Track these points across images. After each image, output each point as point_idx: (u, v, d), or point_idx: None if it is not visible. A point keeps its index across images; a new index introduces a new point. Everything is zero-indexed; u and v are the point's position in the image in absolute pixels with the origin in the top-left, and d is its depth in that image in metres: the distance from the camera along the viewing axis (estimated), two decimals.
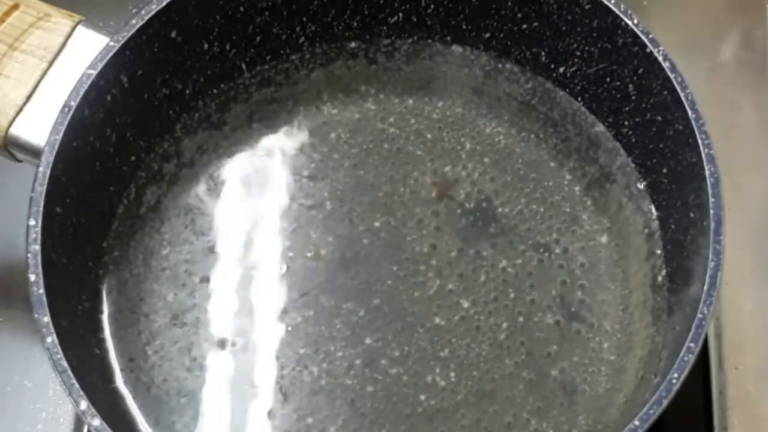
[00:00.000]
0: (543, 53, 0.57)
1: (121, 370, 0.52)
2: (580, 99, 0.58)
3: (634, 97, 0.54)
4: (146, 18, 0.52)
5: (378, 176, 0.57)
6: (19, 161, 0.53)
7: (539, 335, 0.53)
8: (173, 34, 0.54)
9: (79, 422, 0.57)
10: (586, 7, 0.53)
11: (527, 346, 0.53)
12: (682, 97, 0.50)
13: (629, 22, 0.52)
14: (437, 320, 0.53)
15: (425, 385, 0.52)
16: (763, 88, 0.65)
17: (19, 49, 0.53)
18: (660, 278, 0.53)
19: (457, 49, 0.59)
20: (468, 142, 0.58)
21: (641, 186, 0.56)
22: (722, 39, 0.67)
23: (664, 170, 0.53)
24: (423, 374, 0.52)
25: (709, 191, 0.48)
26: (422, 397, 0.52)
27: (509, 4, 0.56)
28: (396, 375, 0.52)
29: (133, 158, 0.55)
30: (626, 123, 0.56)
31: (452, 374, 0.52)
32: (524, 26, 0.57)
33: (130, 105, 0.53)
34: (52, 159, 0.49)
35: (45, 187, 0.48)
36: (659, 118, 0.53)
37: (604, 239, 0.55)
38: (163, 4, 0.52)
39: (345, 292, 0.54)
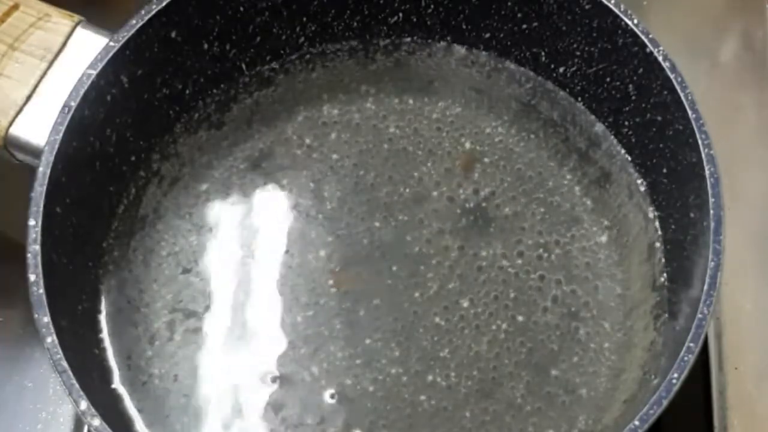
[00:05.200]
0: (543, 53, 0.57)
1: (120, 369, 0.52)
2: (580, 99, 0.58)
3: (634, 97, 0.54)
4: (146, 18, 0.52)
5: (378, 176, 0.57)
6: (19, 161, 0.53)
7: (539, 335, 0.53)
8: (173, 34, 0.54)
9: (79, 422, 0.57)
10: (586, 7, 0.53)
11: (527, 346, 0.53)
12: (682, 97, 0.50)
13: (629, 22, 0.52)
14: (437, 320, 0.53)
15: (425, 385, 0.52)
16: (763, 88, 0.65)
17: (19, 49, 0.53)
18: (660, 278, 0.53)
19: (457, 49, 0.59)
20: (468, 142, 0.58)
21: (641, 186, 0.56)
22: (722, 39, 0.67)
23: (664, 170, 0.53)
24: (423, 374, 0.52)
25: (709, 191, 0.48)
26: (422, 397, 0.52)
27: (509, 4, 0.56)
28: (396, 375, 0.52)
29: (133, 158, 0.55)
30: (626, 123, 0.56)
31: (452, 374, 0.52)
32: (524, 26, 0.57)
33: (130, 105, 0.53)
34: (52, 159, 0.49)
35: (45, 187, 0.48)
36: (659, 118, 0.53)
37: (604, 239, 0.55)
38: (163, 4, 0.52)
39: (345, 292, 0.54)
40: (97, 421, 0.44)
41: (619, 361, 0.52)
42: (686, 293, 0.50)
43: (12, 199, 0.55)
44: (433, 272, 0.54)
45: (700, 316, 0.46)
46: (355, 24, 0.59)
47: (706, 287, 0.46)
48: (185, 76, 0.56)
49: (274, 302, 0.54)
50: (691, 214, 0.50)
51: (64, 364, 0.45)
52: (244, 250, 0.55)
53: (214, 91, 0.58)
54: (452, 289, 0.54)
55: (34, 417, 0.57)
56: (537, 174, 0.57)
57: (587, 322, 0.53)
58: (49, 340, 0.46)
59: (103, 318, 0.53)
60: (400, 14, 0.58)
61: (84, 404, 0.45)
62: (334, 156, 0.57)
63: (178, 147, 0.57)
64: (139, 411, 0.51)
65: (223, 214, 0.56)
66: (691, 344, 0.45)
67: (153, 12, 0.52)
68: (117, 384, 0.52)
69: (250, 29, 0.57)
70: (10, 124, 0.51)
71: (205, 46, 0.56)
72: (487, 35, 0.58)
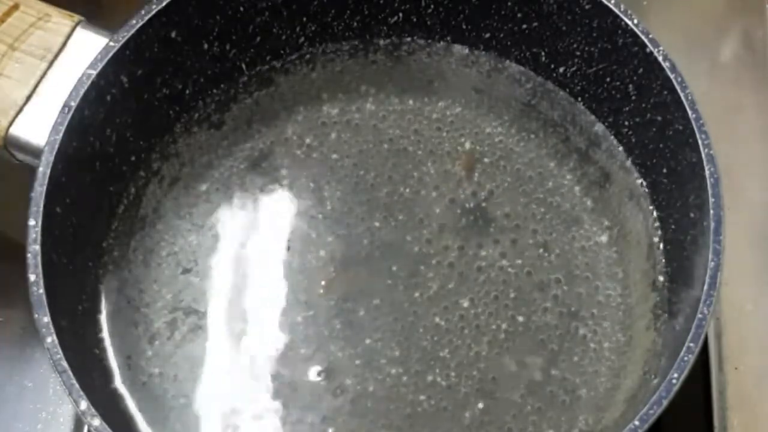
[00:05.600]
0: (543, 53, 0.57)
1: (120, 369, 0.52)
2: (580, 99, 0.58)
3: (634, 97, 0.54)
4: (146, 18, 0.52)
5: (378, 176, 0.57)
6: (19, 161, 0.53)
7: (539, 335, 0.53)
8: (173, 34, 0.54)
9: (79, 422, 0.57)
10: (586, 7, 0.53)
11: (527, 345, 0.53)
12: (682, 97, 0.50)
13: (629, 22, 0.52)
14: (437, 320, 0.53)
15: (425, 385, 0.52)
16: (763, 88, 0.65)
17: (19, 49, 0.53)
18: (660, 278, 0.53)
19: (457, 49, 0.59)
20: (468, 142, 0.58)
21: (641, 186, 0.56)
22: (722, 39, 0.67)
23: (664, 170, 0.53)
24: (423, 374, 0.52)
25: (709, 191, 0.48)
26: (422, 397, 0.52)
27: (509, 4, 0.56)
28: (396, 375, 0.52)
29: (133, 158, 0.55)
30: (626, 123, 0.56)
31: (452, 374, 0.52)
32: (524, 26, 0.57)
33: (130, 105, 0.53)
34: (52, 159, 0.49)
35: (45, 187, 0.48)
36: (659, 118, 0.53)
37: (604, 239, 0.55)
38: (163, 4, 0.52)
39: (345, 292, 0.54)
40: (97, 421, 0.44)
41: (619, 361, 0.52)
42: (686, 293, 0.50)
43: (12, 199, 0.55)
44: (433, 272, 0.54)
45: (700, 316, 0.46)
46: (355, 24, 0.59)
47: (706, 287, 0.46)
48: (185, 76, 0.56)
49: (274, 302, 0.54)
50: (691, 214, 0.50)
51: (64, 364, 0.45)
52: (244, 250, 0.55)
53: (214, 91, 0.58)
54: (452, 289, 0.54)
55: (34, 417, 0.57)
56: (537, 174, 0.57)
57: (587, 322, 0.53)
58: (49, 340, 0.46)
59: (103, 318, 0.53)
60: (400, 14, 0.58)
61: (84, 404, 0.45)
62: (334, 156, 0.57)
63: (178, 147, 0.57)
64: (139, 411, 0.51)
65: (222, 214, 0.56)
66: (691, 344, 0.45)
67: (153, 12, 0.52)
68: (117, 384, 0.52)
69: (250, 29, 0.57)
70: (10, 124, 0.51)
71: (205, 46, 0.56)
72: (487, 35, 0.58)
